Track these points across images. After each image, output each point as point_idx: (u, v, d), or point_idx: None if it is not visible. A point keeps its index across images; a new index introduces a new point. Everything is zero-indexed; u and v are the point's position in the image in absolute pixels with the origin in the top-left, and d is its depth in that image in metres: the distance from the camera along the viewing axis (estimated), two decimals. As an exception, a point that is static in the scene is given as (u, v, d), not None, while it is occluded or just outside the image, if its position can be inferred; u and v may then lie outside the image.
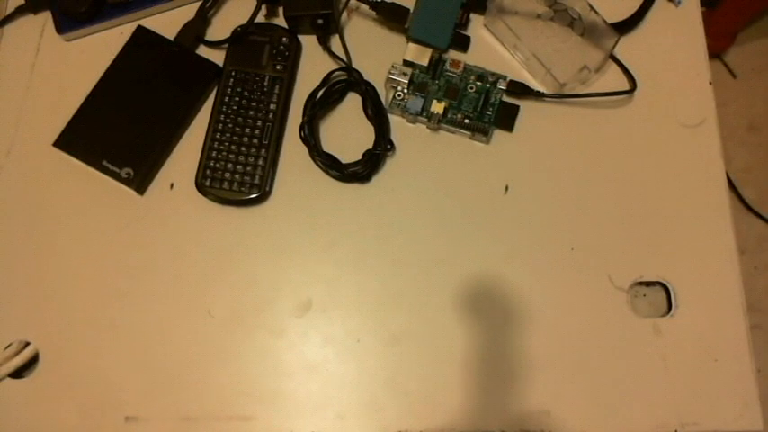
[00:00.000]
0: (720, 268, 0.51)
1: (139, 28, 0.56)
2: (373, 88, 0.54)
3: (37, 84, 0.57)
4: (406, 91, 0.54)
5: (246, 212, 0.53)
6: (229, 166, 0.53)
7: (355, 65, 0.55)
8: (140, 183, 0.53)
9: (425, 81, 0.54)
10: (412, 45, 0.54)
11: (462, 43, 0.56)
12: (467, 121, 0.54)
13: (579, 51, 0.54)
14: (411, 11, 0.55)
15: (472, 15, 0.57)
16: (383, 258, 0.52)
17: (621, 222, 0.51)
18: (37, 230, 0.53)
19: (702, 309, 0.45)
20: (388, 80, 0.54)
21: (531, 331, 0.50)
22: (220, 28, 0.57)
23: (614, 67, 0.56)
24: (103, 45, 0.56)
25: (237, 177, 0.52)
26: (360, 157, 0.53)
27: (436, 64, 0.55)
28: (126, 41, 0.55)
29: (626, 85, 0.55)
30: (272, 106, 0.54)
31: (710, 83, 0.56)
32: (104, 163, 0.52)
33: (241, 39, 0.55)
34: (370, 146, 0.53)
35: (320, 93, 0.54)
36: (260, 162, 0.53)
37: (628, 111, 0.55)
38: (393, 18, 0.55)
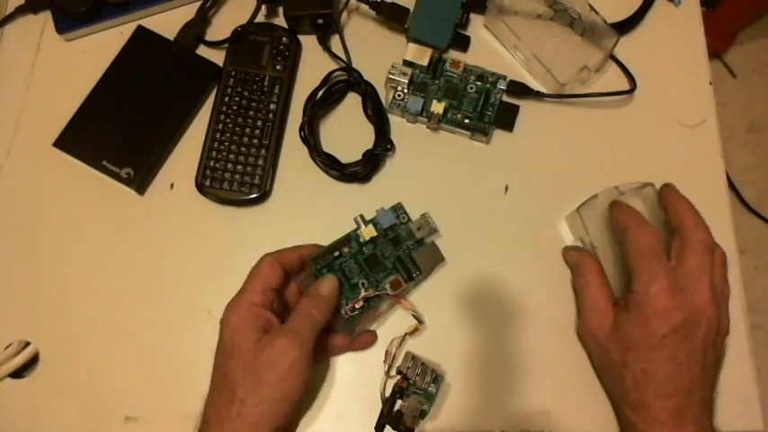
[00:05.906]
0: (720, 268, 0.51)
1: (139, 28, 0.56)
2: (373, 88, 0.54)
3: (37, 84, 0.57)
4: (406, 91, 0.54)
5: (246, 212, 0.53)
6: (229, 165, 0.52)
7: (355, 65, 0.55)
8: (140, 183, 0.53)
9: (425, 81, 0.54)
10: (412, 45, 0.54)
11: (462, 43, 0.56)
12: (467, 120, 0.54)
13: (579, 51, 0.54)
14: (411, 11, 0.55)
15: (472, 15, 0.57)
16: (383, 258, 0.52)
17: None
18: (37, 230, 0.53)
19: (702, 309, 0.45)
20: (388, 80, 0.54)
21: (531, 331, 0.50)
22: (220, 28, 0.57)
23: (614, 66, 0.56)
24: (103, 45, 0.56)
25: (237, 177, 0.52)
26: (360, 157, 0.53)
27: (436, 64, 0.55)
28: (126, 41, 0.55)
29: (626, 85, 0.55)
30: (272, 106, 0.54)
31: (710, 83, 0.56)
32: (104, 163, 0.52)
33: (241, 39, 0.55)
34: (370, 146, 0.53)
35: (320, 93, 0.54)
36: (260, 162, 0.53)
37: (628, 111, 0.55)
38: (393, 18, 0.55)
